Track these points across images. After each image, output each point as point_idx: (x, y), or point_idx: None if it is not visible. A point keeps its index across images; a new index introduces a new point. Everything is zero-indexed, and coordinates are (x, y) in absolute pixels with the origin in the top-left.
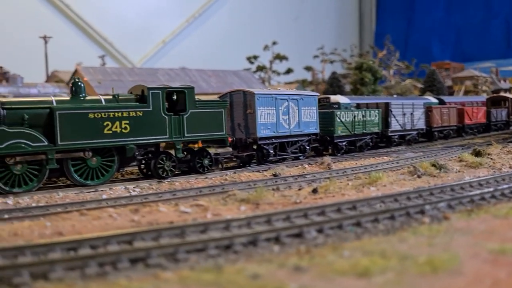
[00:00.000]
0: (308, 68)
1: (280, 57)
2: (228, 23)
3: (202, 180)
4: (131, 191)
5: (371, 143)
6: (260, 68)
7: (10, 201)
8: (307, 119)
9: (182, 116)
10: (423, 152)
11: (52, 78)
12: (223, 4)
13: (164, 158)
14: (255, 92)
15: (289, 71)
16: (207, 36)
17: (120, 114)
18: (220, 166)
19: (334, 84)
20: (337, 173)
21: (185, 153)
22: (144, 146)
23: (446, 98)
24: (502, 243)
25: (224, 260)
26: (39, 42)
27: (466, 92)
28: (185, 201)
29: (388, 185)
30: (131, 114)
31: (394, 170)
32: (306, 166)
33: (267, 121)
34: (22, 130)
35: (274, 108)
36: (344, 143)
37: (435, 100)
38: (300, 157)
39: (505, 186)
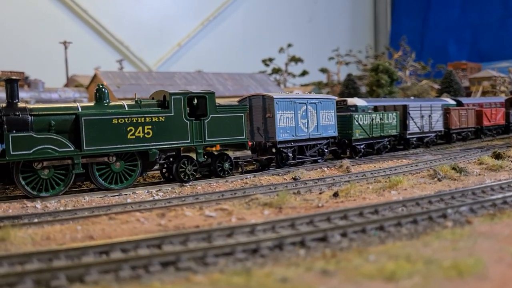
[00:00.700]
0: (323, 70)
1: (295, 59)
2: (242, 26)
3: (223, 184)
4: (154, 195)
5: (389, 146)
6: (276, 71)
7: (39, 205)
8: (325, 122)
9: (203, 120)
10: (442, 155)
11: (71, 82)
12: (237, 7)
13: (186, 162)
14: (274, 97)
15: (304, 73)
16: (222, 38)
17: (143, 120)
18: (240, 169)
19: (349, 86)
20: (357, 176)
21: (206, 157)
22: (166, 151)
23: (463, 100)
24: None
25: (252, 264)
26: (59, 47)
27: (484, 93)
28: (209, 205)
29: (409, 188)
30: (154, 119)
31: (414, 173)
32: (325, 169)
33: (286, 125)
34: (49, 136)
35: (293, 112)
36: (362, 146)
37: (452, 102)
38: (318, 160)
39: None
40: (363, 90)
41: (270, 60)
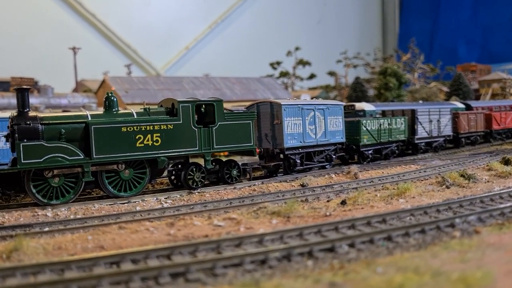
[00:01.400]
0: (331, 73)
1: (303, 63)
2: (250, 29)
3: (231, 191)
4: (163, 202)
5: (397, 151)
6: (283, 74)
7: (50, 213)
8: (333, 128)
9: (211, 128)
10: (451, 160)
11: (80, 87)
12: (245, 10)
13: (194, 169)
14: (282, 103)
15: (312, 76)
16: (229, 41)
17: (151, 128)
18: (248, 176)
19: (357, 89)
20: (364, 183)
21: (214, 163)
22: (175, 158)
23: (473, 103)
24: None
25: (260, 275)
26: (68, 52)
27: (493, 95)
28: (217, 213)
29: (417, 196)
30: (162, 127)
31: (422, 180)
32: (333, 175)
33: (294, 131)
34: (59, 145)
35: (301, 118)
36: (370, 152)
37: (461, 105)
38: (326, 166)
39: None
40: (371, 93)
41: (278, 63)
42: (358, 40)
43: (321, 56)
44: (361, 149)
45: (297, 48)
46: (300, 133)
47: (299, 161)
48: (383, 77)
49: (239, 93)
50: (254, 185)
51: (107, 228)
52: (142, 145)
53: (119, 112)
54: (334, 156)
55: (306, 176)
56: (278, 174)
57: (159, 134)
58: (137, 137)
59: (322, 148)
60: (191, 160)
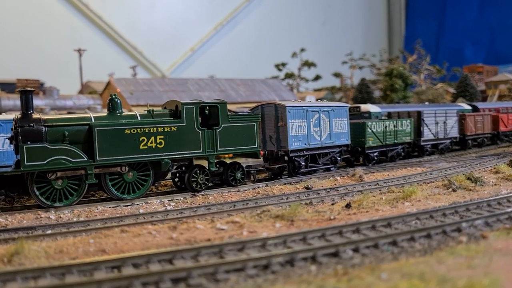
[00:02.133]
0: (336, 75)
1: (308, 64)
2: (255, 30)
3: (235, 194)
4: (166, 205)
5: (402, 153)
6: (289, 76)
7: (53, 215)
8: (338, 130)
9: (215, 130)
10: (457, 162)
11: (85, 88)
12: (250, 11)
13: (198, 172)
14: (287, 105)
15: (317, 77)
16: (234, 43)
17: (155, 130)
18: (252, 178)
19: (363, 91)
20: (369, 185)
21: (218, 166)
22: (179, 160)
23: (479, 104)
24: None
25: (263, 281)
26: (74, 54)
27: (500, 97)
28: (220, 216)
29: (422, 199)
30: (166, 129)
31: (428, 183)
32: (338, 178)
33: (298, 134)
34: (63, 147)
35: (305, 120)
36: (375, 154)
37: (468, 107)
38: (331, 169)
39: None
40: (377, 94)
41: (283, 64)
42: (364, 41)
43: (326, 57)
44: (367, 151)
45: (302, 50)
46: (304, 135)
47: (303, 163)
48: (389, 78)
49: (244, 94)
50: (258, 187)
51: (109, 232)
52: (146, 147)
53: (123, 114)
54: (339, 158)
55: (310, 178)
56: (283, 176)
57: (162, 136)
58: (140, 139)
59: (327, 150)
60: (195, 162)
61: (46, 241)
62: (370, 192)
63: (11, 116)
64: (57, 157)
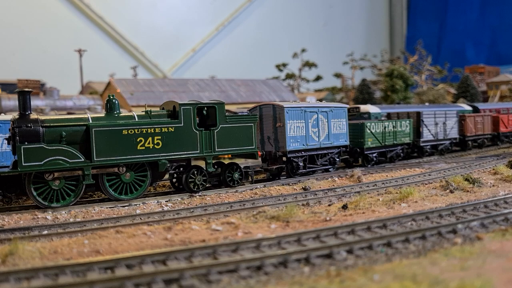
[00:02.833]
0: (337, 75)
1: (309, 64)
2: (256, 31)
3: (232, 194)
4: (163, 206)
5: (402, 154)
6: (289, 76)
7: (49, 216)
8: (336, 131)
9: (212, 131)
10: (456, 163)
11: (86, 89)
12: (251, 12)
13: (195, 172)
14: (285, 106)
15: (318, 78)
16: (236, 43)
17: (152, 130)
18: (250, 179)
19: (364, 91)
20: (367, 186)
21: (216, 166)
22: (176, 161)
23: (480, 105)
24: None
25: (255, 282)
26: (75, 54)
27: (502, 97)
28: (216, 217)
29: (419, 201)
30: (163, 130)
31: (426, 184)
32: (336, 179)
33: (296, 134)
34: (60, 147)
35: (304, 121)
36: (374, 155)
37: (468, 108)
38: (329, 169)
39: None
40: (378, 95)
41: (284, 65)
42: (365, 42)
43: (327, 58)
44: (366, 152)
45: (303, 50)
46: (303, 136)
47: (302, 164)
48: (389, 79)
49: (244, 95)
50: (256, 188)
51: (104, 232)
52: (143, 148)
53: (121, 114)
54: (337, 159)
55: (309, 179)
56: (281, 177)
57: (160, 137)
58: (138, 140)
59: (325, 151)
60: (193, 163)
61: (41, 242)
62: (368, 193)
63: (8, 117)
64: (55, 157)
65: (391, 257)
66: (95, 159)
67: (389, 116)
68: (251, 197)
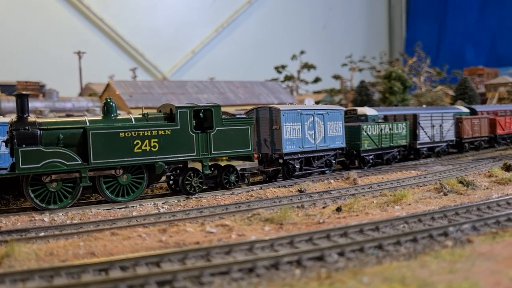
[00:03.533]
0: (336, 77)
1: (308, 66)
2: (256, 33)
3: (228, 196)
4: (160, 207)
5: (398, 156)
6: (288, 78)
7: (47, 218)
8: (333, 133)
9: (209, 133)
10: (453, 165)
11: (85, 90)
12: (251, 14)
13: (192, 175)
14: (281, 108)
15: (317, 80)
16: (235, 45)
17: (149, 133)
18: (246, 181)
19: (362, 93)
20: (363, 188)
21: (212, 169)
22: (173, 163)
23: (477, 107)
24: None
25: (246, 284)
26: (75, 56)
27: (500, 99)
28: (211, 219)
29: (413, 203)
30: (160, 132)
31: (421, 186)
32: (332, 181)
33: (292, 137)
34: (57, 150)
35: (300, 124)
36: (370, 157)
37: (465, 110)
38: (326, 172)
39: None
40: (377, 96)
41: (283, 67)
42: (364, 44)
43: (326, 59)
44: (362, 154)
45: (302, 52)
46: (299, 139)
47: (298, 166)
48: (387, 81)
49: (242, 97)
50: (252, 190)
51: (100, 234)
52: (140, 150)
53: (118, 117)
54: (334, 161)
55: (305, 181)
56: (277, 179)
57: (156, 140)
58: (135, 143)
59: (321, 154)
60: (190, 165)
61: (38, 244)
62: (363, 195)
63: (6, 119)
64: (52, 160)
65: (382, 260)
66: (92, 161)
67: (386, 119)
68: (247, 199)
